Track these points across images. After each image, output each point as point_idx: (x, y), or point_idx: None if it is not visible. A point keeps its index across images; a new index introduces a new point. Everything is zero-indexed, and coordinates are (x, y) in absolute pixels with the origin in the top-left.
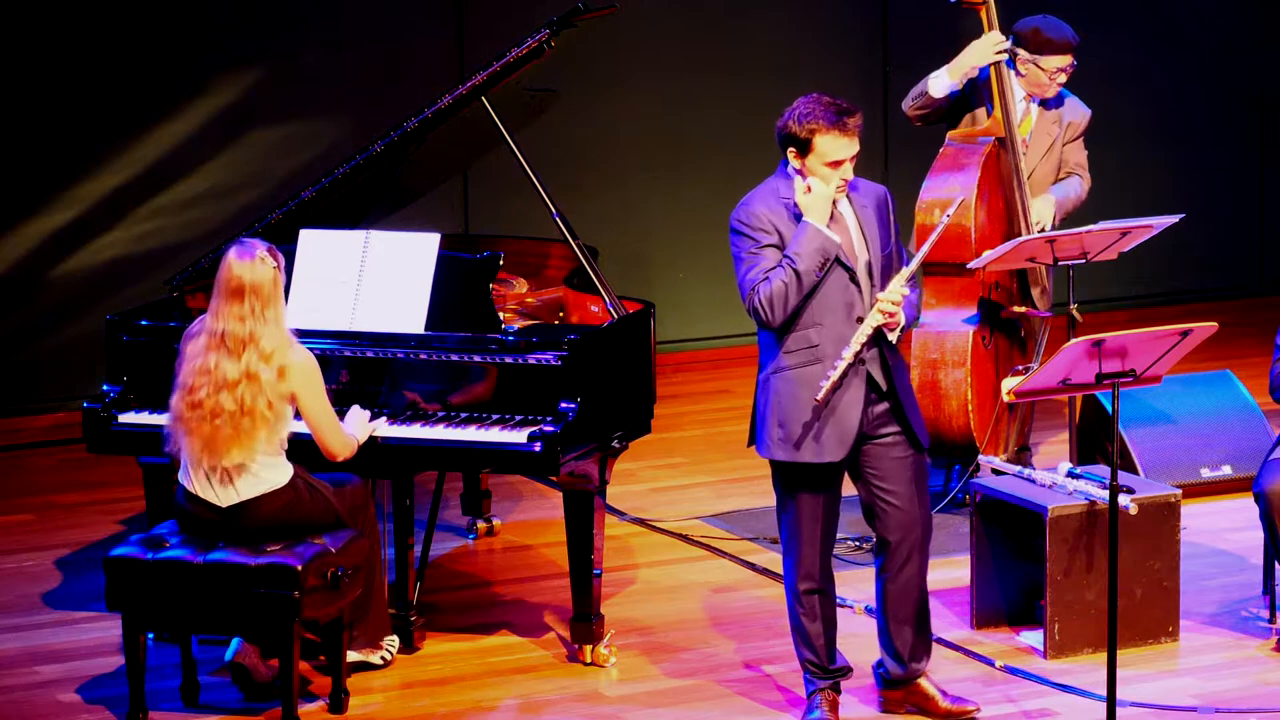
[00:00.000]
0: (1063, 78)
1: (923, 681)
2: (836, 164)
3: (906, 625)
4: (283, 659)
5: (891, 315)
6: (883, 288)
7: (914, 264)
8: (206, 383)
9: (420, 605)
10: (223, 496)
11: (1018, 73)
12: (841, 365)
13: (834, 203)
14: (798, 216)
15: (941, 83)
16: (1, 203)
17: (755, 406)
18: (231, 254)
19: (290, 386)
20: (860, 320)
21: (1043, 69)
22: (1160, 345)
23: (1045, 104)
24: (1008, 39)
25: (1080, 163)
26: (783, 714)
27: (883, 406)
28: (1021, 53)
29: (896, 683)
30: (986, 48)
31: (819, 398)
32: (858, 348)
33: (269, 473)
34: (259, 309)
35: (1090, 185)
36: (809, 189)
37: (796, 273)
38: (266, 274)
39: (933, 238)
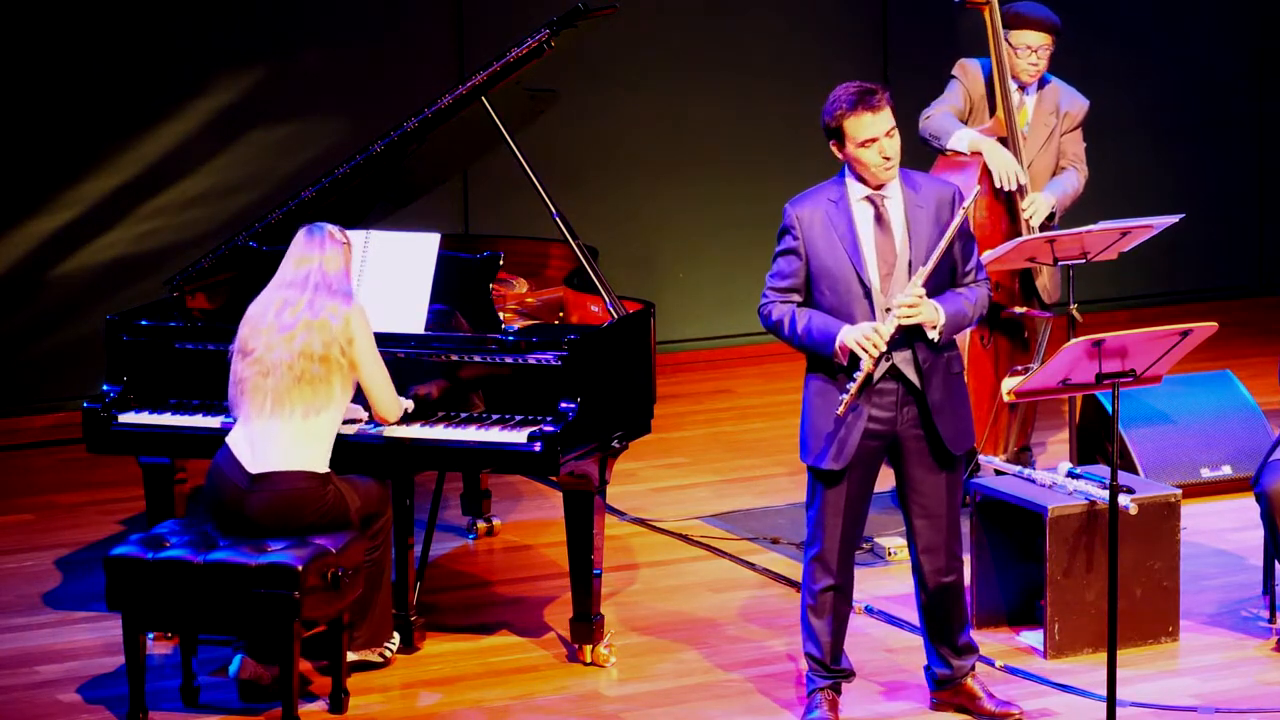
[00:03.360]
0: (1033, 58)
1: (969, 681)
2: (868, 142)
3: (944, 625)
4: (283, 659)
5: (910, 317)
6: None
7: (930, 263)
8: (265, 335)
9: (420, 605)
10: (257, 459)
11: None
12: (859, 378)
13: (882, 204)
14: (833, 221)
15: (959, 144)
16: (1, 203)
17: None
18: (299, 235)
19: (350, 331)
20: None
21: (1013, 45)
22: (1160, 345)
23: (1040, 93)
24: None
25: (1078, 154)
26: (782, 714)
27: (914, 409)
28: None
29: (943, 683)
30: (1008, 163)
31: (839, 411)
32: (870, 364)
33: (310, 451)
34: (318, 283)
35: (1087, 176)
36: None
37: (798, 338)
38: (335, 253)
39: (950, 231)
